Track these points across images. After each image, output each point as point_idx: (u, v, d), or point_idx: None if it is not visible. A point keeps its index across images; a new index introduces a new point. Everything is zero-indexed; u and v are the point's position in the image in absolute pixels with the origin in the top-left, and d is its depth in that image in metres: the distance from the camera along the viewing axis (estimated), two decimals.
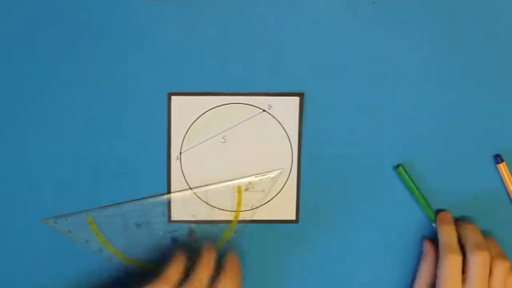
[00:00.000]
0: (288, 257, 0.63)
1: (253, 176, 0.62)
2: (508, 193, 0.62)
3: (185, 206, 0.62)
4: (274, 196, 0.62)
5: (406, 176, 0.61)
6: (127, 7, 0.58)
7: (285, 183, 0.62)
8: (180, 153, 0.61)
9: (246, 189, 0.62)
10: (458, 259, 0.57)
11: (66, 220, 0.61)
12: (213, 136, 0.61)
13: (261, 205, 0.62)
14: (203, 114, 0.60)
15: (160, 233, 0.62)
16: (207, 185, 0.62)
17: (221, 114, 0.60)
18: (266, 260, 0.63)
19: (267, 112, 0.61)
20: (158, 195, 0.61)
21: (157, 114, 0.60)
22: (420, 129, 0.61)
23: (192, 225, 0.62)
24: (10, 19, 0.58)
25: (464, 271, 0.57)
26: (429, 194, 0.62)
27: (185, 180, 0.61)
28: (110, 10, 0.58)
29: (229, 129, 0.61)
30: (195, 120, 0.60)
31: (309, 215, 0.62)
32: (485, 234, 0.63)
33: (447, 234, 0.59)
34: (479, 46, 0.60)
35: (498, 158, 0.62)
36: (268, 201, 0.62)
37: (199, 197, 0.62)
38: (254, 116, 0.61)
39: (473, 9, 0.60)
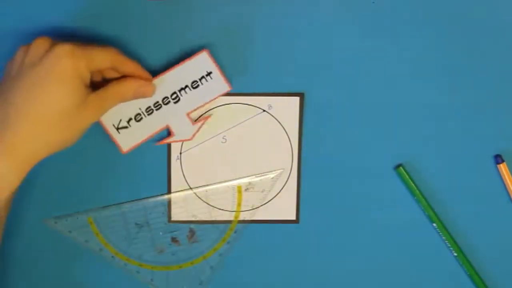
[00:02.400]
0: (288, 257, 0.63)
1: (253, 176, 0.62)
2: (508, 193, 0.62)
3: (185, 206, 0.62)
4: (274, 196, 0.62)
5: (407, 176, 0.61)
6: (127, 7, 0.58)
7: (285, 183, 0.62)
8: (180, 153, 0.61)
9: (246, 189, 0.62)
10: None
11: (66, 220, 0.61)
12: (213, 136, 0.61)
13: (261, 205, 0.62)
14: (203, 114, 0.60)
15: (160, 233, 0.62)
16: (207, 185, 0.62)
17: (221, 114, 0.60)
18: (266, 260, 0.63)
19: (267, 112, 0.61)
20: (158, 195, 0.61)
21: None
22: (420, 129, 0.61)
23: (192, 225, 0.62)
24: (10, 20, 0.58)
25: None
26: (429, 194, 0.62)
27: (185, 180, 0.61)
28: (110, 10, 0.58)
29: (229, 129, 0.61)
30: (195, 120, 0.60)
31: (309, 215, 0.62)
32: (485, 234, 0.63)
33: None
34: (479, 46, 0.60)
35: (498, 158, 0.62)
36: (268, 201, 0.62)
37: (199, 197, 0.62)
38: (254, 116, 0.61)
39: (473, 10, 0.60)
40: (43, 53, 0.52)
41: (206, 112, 0.60)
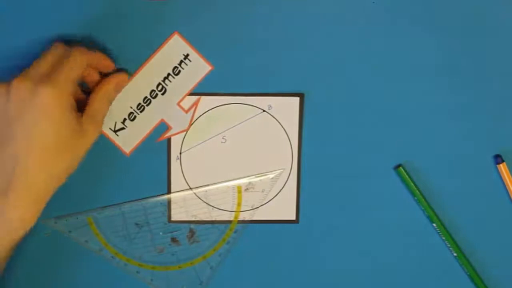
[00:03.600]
0: (288, 257, 0.63)
1: (253, 176, 0.62)
2: (508, 193, 0.62)
3: (185, 206, 0.62)
4: (274, 196, 0.62)
5: (406, 176, 0.61)
6: (127, 7, 0.58)
7: (285, 183, 0.62)
8: (180, 153, 0.61)
9: (246, 189, 0.62)
10: None
11: (66, 220, 0.61)
12: (213, 136, 0.61)
13: (261, 205, 0.62)
14: (203, 114, 0.60)
15: (160, 233, 0.62)
16: (207, 185, 0.62)
17: (221, 114, 0.60)
18: (266, 260, 0.63)
19: (267, 112, 0.61)
20: (158, 195, 0.61)
21: None
22: (420, 129, 0.61)
23: (192, 225, 0.62)
24: (11, 21, 0.58)
25: None
26: (429, 194, 0.62)
27: (185, 180, 0.61)
28: (110, 10, 0.58)
29: (229, 129, 0.61)
30: (195, 120, 0.60)
31: (309, 215, 0.62)
32: (485, 234, 0.63)
33: None
34: (479, 46, 0.60)
35: (498, 159, 0.62)
36: (268, 201, 0.62)
37: (199, 197, 0.62)
38: (254, 116, 0.61)
39: (473, 10, 0.60)
40: (28, 96, 0.51)
41: (206, 111, 0.60)
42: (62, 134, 0.52)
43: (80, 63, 0.54)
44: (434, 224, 0.62)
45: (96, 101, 0.56)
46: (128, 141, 0.60)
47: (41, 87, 0.51)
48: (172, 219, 0.62)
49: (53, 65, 0.53)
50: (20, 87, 0.51)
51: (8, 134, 0.51)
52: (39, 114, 0.51)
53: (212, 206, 0.62)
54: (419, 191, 0.62)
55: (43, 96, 0.51)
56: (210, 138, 0.61)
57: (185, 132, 0.61)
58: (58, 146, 0.52)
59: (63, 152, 0.53)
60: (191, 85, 0.59)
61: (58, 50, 0.55)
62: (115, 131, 0.60)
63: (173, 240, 0.62)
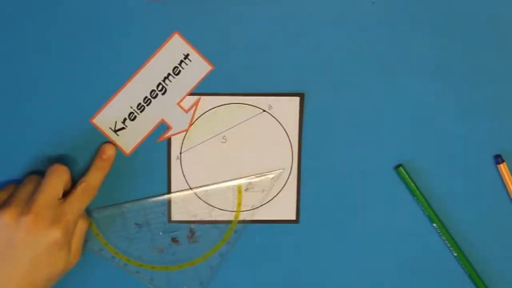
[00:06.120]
0: (288, 257, 0.63)
1: (253, 176, 0.62)
2: (508, 193, 0.62)
3: (185, 206, 0.62)
4: (274, 196, 0.62)
5: (407, 176, 0.61)
6: (127, 7, 0.58)
7: (285, 183, 0.62)
8: (180, 153, 0.61)
9: (246, 189, 0.62)
10: None
11: None
12: (213, 136, 0.61)
13: (261, 205, 0.62)
14: (203, 114, 0.60)
15: (160, 233, 0.62)
16: (207, 185, 0.62)
17: (221, 114, 0.61)
18: (266, 260, 0.63)
19: (267, 112, 0.61)
20: (158, 195, 0.61)
21: None
22: (420, 129, 0.61)
23: (192, 225, 0.62)
24: (10, 20, 0.58)
25: None
26: (429, 194, 0.62)
27: (185, 180, 0.61)
28: (110, 10, 0.58)
29: (229, 129, 0.61)
30: (195, 120, 0.60)
31: (309, 215, 0.62)
32: (485, 234, 0.63)
33: None
34: (479, 46, 0.60)
35: (498, 159, 0.62)
36: (268, 201, 0.62)
37: (199, 197, 0.62)
38: (254, 116, 0.61)
39: (473, 10, 0.60)
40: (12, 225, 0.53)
41: (206, 111, 0.60)
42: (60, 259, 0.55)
43: (56, 183, 0.56)
44: (434, 224, 0.62)
45: (68, 214, 0.56)
46: (128, 141, 0.60)
47: (50, 234, 0.54)
48: (172, 219, 0.62)
49: (31, 192, 0.55)
50: (3, 217, 0.53)
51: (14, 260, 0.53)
52: (43, 251, 0.54)
53: (212, 206, 0.62)
54: (419, 191, 0.62)
55: (50, 242, 0.54)
56: (210, 138, 0.61)
57: (185, 132, 0.61)
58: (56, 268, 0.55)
59: (58, 258, 0.55)
60: (191, 85, 0.60)
61: (32, 180, 0.57)
62: (115, 131, 0.60)
63: (173, 240, 0.62)
